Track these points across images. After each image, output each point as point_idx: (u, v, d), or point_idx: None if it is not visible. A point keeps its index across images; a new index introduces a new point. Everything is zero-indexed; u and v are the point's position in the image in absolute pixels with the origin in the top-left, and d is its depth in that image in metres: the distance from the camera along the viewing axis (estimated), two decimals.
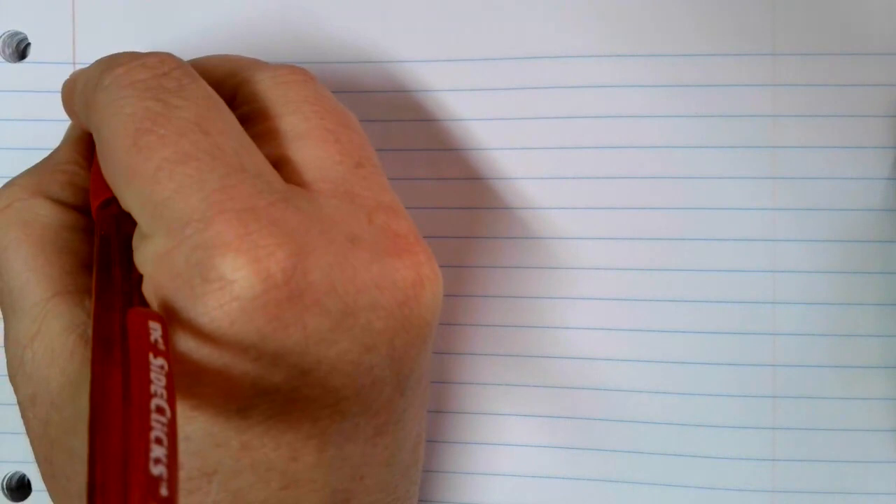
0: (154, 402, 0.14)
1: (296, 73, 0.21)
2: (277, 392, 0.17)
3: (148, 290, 0.17)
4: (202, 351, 0.17)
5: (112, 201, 0.20)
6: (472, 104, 0.26)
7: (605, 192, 0.26)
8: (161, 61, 0.19)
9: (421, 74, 0.27)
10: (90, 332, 0.19)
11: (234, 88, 0.21)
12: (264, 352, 0.17)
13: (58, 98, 0.27)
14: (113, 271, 0.18)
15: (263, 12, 0.27)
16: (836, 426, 0.26)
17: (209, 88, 0.19)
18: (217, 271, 0.16)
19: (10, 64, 0.27)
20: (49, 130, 0.27)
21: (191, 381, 0.17)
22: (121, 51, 0.20)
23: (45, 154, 0.27)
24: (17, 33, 0.28)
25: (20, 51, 0.28)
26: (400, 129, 0.27)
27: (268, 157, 0.19)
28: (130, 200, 0.18)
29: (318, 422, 0.18)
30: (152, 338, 0.15)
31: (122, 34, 0.27)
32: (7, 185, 0.22)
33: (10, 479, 0.28)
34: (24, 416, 0.21)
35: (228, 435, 0.17)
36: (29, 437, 0.21)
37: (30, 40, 0.28)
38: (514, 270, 0.27)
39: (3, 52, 0.27)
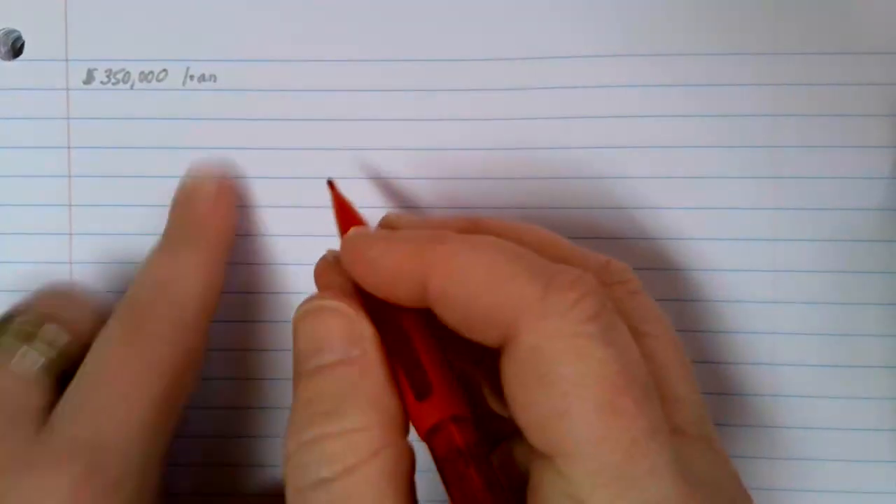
0: None
1: (632, 276, 0.20)
2: None
3: None
4: None
5: (445, 425, 0.18)
6: (472, 104, 0.26)
7: (604, 191, 0.26)
8: (593, 287, 0.17)
9: (421, 73, 0.26)
10: None
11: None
12: None
13: (52, 95, 0.27)
14: None
15: (258, 9, 0.27)
16: (836, 425, 0.26)
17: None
18: None
19: (4, 62, 0.27)
20: (45, 128, 0.27)
21: None
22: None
23: (43, 152, 0.27)
24: (11, 31, 0.27)
25: (15, 49, 0.27)
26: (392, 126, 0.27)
27: None
28: (585, 465, 0.16)
29: None
30: None
31: (114, 31, 0.27)
32: (354, 427, 0.18)
33: None
34: None
35: None
36: None
37: (24, 38, 0.27)
38: None
39: None
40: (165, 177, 0.27)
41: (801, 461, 0.26)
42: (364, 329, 0.19)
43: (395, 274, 0.19)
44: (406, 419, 0.19)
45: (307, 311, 0.19)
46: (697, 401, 0.19)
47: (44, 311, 0.24)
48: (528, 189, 0.26)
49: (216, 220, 0.26)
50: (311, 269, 0.25)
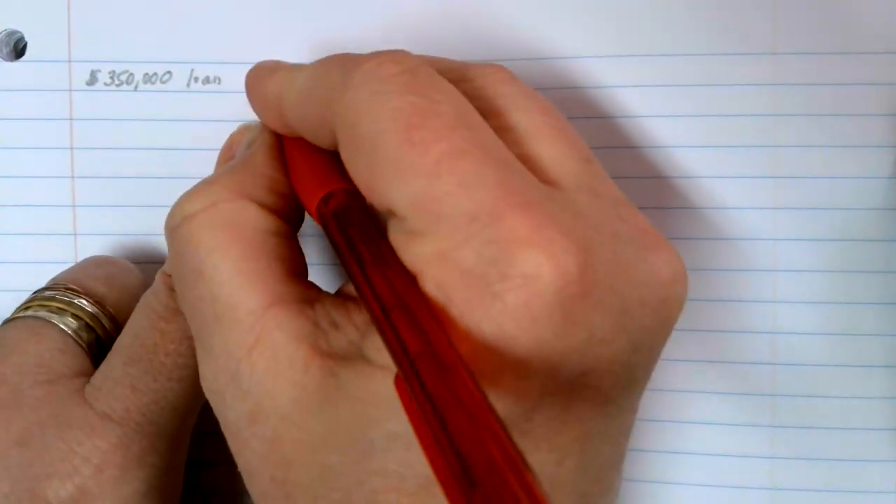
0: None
1: (501, 70, 0.20)
2: (559, 393, 0.17)
3: (430, 287, 0.17)
4: (498, 351, 0.16)
5: (332, 196, 0.19)
6: None
7: None
8: (405, 57, 0.18)
9: None
10: (329, 343, 0.18)
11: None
12: (554, 351, 0.16)
13: (55, 96, 0.27)
14: (374, 271, 0.17)
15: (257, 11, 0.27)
16: (836, 425, 0.26)
17: (451, 85, 0.19)
18: (517, 267, 0.16)
19: (7, 63, 0.27)
20: (47, 129, 0.27)
21: (485, 383, 0.16)
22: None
23: (46, 153, 0.27)
24: (14, 32, 0.27)
25: (18, 49, 0.28)
26: None
27: None
28: (400, 196, 0.17)
29: (584, 424, 0.17)
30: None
31: (117, 33, 0.27)
32: (206, 183, 0.21)
33: None
34: (234, 435, 0.19)
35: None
36: (243, 456, 0.19)
37: (27, 39, 0.27)
38: None
39: (1, 50, 0.27)
40: (169, 178, 0.27)
41: (801, 461, 0.26)
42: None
43: (261, 103, 0.22)
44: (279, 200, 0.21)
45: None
46: (575, 157, 0.19)
47: (78, 285, 0.25)
48: None
49: None
50: (322, 268, 0.25)
